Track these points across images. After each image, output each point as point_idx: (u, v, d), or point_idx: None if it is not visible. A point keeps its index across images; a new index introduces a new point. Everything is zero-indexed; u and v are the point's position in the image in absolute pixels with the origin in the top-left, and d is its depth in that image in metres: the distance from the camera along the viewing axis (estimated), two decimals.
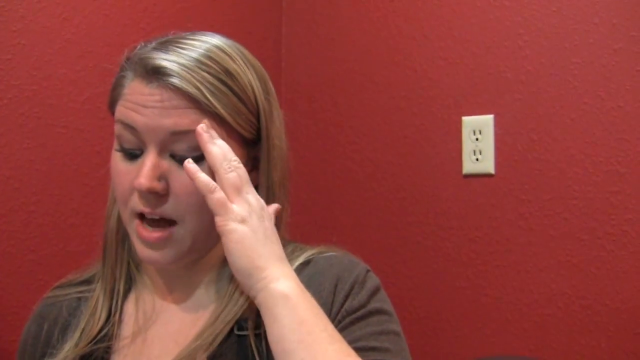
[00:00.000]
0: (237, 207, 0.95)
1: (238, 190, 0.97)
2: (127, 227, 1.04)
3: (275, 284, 0.93)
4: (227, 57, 1.01)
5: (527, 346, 1.87)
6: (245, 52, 1.07)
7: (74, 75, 1.76)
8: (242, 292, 1.01)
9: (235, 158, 0.98)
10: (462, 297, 1.98)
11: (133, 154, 1.00)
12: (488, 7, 1.96)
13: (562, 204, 1.84)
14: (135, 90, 0.98)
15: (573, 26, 1.83)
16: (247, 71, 1.03)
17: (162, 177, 0.97)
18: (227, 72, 1.00)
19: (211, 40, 1.03)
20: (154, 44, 1.01)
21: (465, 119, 1.98)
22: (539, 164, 1.87)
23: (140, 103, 0.97)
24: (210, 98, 0.97)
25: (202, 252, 1.05)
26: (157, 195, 0.97)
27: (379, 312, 1.04)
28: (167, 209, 0.98)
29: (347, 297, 1.03)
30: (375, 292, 1.05)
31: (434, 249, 2.03)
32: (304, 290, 0.95)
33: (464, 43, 2.00)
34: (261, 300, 0.93)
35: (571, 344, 1.81)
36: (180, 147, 0.97)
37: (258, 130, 1.05)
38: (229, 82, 0.99)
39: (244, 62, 1.03)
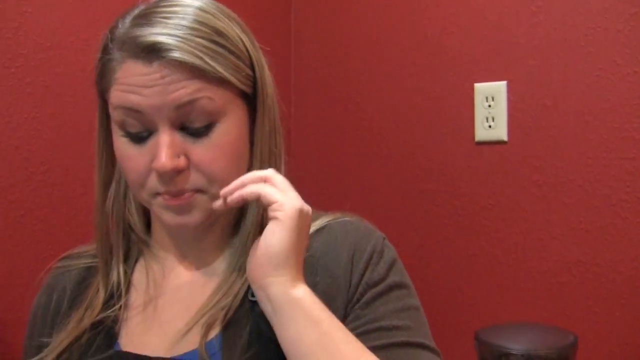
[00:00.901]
0: (295, 197, 0.95)
1: (288, 186, 0.96)
2: (147, 204, 1.03)
3: (293, 287, 0.92)
4: (211, 17, 0.98)
5: (541, 314, 1.86)
6: (221, 5, 1.04)
7: (81, 43, 1.74)
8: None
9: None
10: (475, 265, 1.97)
11: (141, 137, 0.97)
12: None
13: (576, 171, 1.82)
14: (131, 72, 0.94)
15: None
16: (232, 25, 1.01)
17: (181, 152, 0.96)
18: (218, 31, 0.97)
19: (190, 2, 0.99)
20: (134, 18, 0.97)
21: (477, 85, 1.96)
22: (553, 130, 1.85)
23: (140, 84, 0.93)
24: (212, 63, 0.94)
25: (218, 213, 1.04)
26: (179, 172, 0.96)
27: (398, 286, 1.03)
28: (192, 182, 0.97)
29: (366, 267, 1.02)
30: (393, 263, 1.05)
31: (447, 217, 2.02)
32: (314, 294, 0.94)
33: (476, 9, 1.98)
34: (272, 295, 0.92)
35: (585, 311, 1.80)
36: (188, 119, 0.95)
37: (254, 81, 1.03)
38: (222, 42, 0.97)
39: (226, 16, 1.01)
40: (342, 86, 2.24)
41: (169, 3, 0.99)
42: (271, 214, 0.93)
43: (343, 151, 2.24)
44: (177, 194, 0.97)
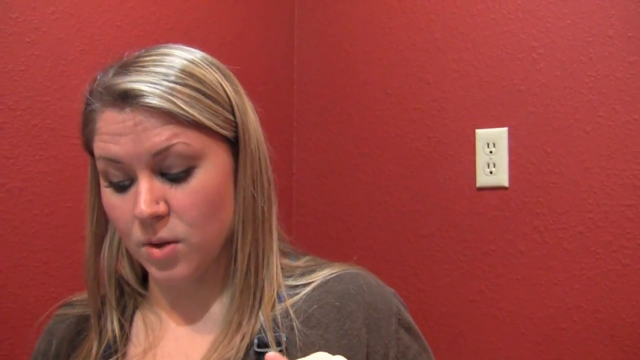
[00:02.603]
0: None
1: None
2: (135, 256, 1.03)
3: None
4: (189, 63, 0.98)
5: None
6: (204, 53, 1.04)
7: (87, 86, 1.75)
8: (250, 309, 1.01)
9: None
10: (476, 311, 1.97)
11: (123, 186, 0.98)
12: (502, 20, 1.96)
13: (577, 217, 1.83)
14: (109, 120, 0.95)
15: (588, 39, 1.83)
16: (211, 70, 1.00)
17: (160, 198, 0.96)
18: (193, 76, 0.97)
19: (169, 51, 1.00)
20: (113, 70, 0.98)
21: (479, 131, 1.98)
22: (554, 177, 1.86)
23: (116, 133, 0.94)
24: (185, 107, 0.94)
25: (208, 263, 1.03)
26: (159, 218, 0.96)
27: (421, 354, 1.07)
28: (171, 230, 0.97)
29: (389, 338, 1.03)
30: (412, 328, 1.07)
31: (448, 262, 2.02)
32: None
33: (478, 55, 2.00)
34: None
35: (587, 358, 1.79)
36: (167, 165, 0.95)
37: (236, 126, 1.02)
38: (198, 86, 0.97)
39: (205, 63, 1.01)
40: (344, 131, 2.25)
41: (149, 53, 1.00)
42: None
43: (344, 195, 2.24)
44: (158, 244, 0.97)
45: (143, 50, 1.02)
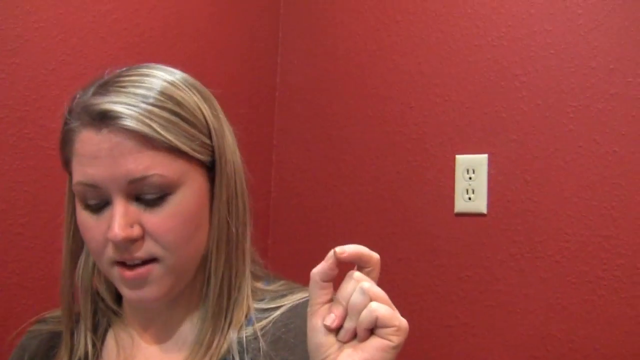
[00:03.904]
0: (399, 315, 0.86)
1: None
2: (107, 275, 1.02)
3: None
4: (169, 85, 0.98)
5: None
6: (184, 74, 1.04)
7: (67, 96, 1.72)
8: (220, 331, 1.02)
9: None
10: (450, 337, 1.96)
11: (98, 207, 0.97)
12: (486, 47, 1.97)
13: (554, 246, 1.83)
14: (85, 141, 0.95)
15: (570, 69, 1.84)
16: (191, 93, 1.00)
17: (135, 222, 0.95)
18: (172, 98, 0.97)
19: (149, 72, 1.00)
20: (92, 89, 0.97)
21: (459, 157, 1.98)
22: (532, 205, 1.87)
23: (92, 155, 0.94)
24: (162, 132, 0.94)
25: (181, 285, 1.03)
26: (133, 241, 0.95)
27: None
28: (147, 251, 0.96)
29: None
30: None
31: (424, 287, 2.02)
32: None
33: (460, 81, 2.01)
34: None
35: None
36: (143, 190, 0.95)
37: (213, 150, 1.02)
38: (176, 109, 0.97)
39: (185, 85, 1.01)
40: (324, 152, 2.25)
41: (129, 73, 1.00)
42: (385, 335, 0.82)
43: (322, 216, 2.24)
44: (132, 262, 0.97)
45: (124, 69, 1.02)
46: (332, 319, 0.83)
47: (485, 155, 1.94)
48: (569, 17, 1.86)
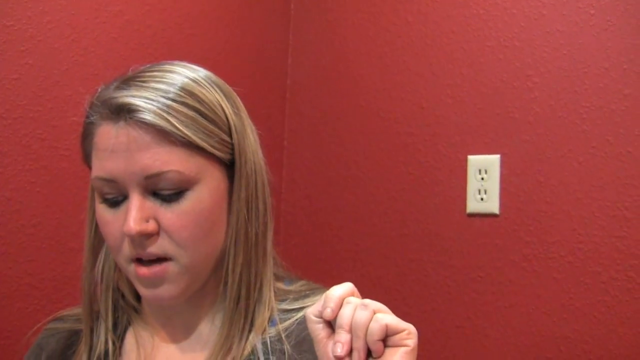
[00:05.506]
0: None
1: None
2: (124, 272, 1.02)
3: None
4: (190, 82, 0.98)
5: None
6: (208, 72, 1.04)
7: (79, 97, 1.74)
8: (240, 333, 1.01)
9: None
10: (462, 337, 1.96)
11: (116, 201, 0.98)
12: (498, 47, 1.96)
13: (567, 247, 1.82)
14: (104, 135, 0.96)
15: (583, 70, 1.83)
16: (212, 89, 1.00)
17: (150, 217, 0.95)
18: (193, 94, 0.97)
19: (171, 68, 1.00)
20: (115, 84, 0.98)
21: (471, 157, 1.97)
22: (545, 206, 1.86)
23: (110, 149, 0.94)
24: (180, 127, 0.94)
25: (198, 284, 1.03)
26: (148, 236, 0.95)
27: None
28: (161, 247, 0.96)
29: None
30: None
31: (435, 288, 2.01)
32: None
33: (472, 82, 2.00)
34: None
35: None
36: (160, 186, 0.95)
37: (233, 148, 1.01)
38: (197, 105, 0.96)
39: (207, 82, 1.01)
40: (335, 153, 2.25)
41: (152, 69, 1.00)
42: (399, 341, 0.85)
43: (333, 217, 2.24)
44: (147, 259, 0.97)
45: (147, 66, 1.02)
46: (340, 347, 0.82)
47: (498, 156, 1.93)
48: (582, 17, 1.85)
